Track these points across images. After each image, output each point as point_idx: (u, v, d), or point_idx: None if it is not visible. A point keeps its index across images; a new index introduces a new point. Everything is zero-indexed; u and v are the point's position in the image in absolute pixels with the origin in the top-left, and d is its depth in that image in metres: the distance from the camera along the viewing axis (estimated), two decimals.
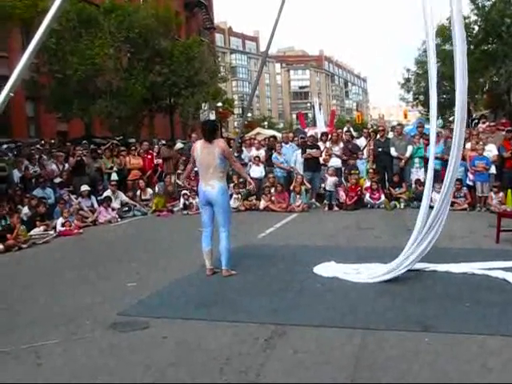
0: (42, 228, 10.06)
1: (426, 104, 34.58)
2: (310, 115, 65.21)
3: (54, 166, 12.97)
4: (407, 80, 37.93)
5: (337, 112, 60.51)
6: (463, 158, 12.09)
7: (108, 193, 12.57)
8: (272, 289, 5.64)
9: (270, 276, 6.18)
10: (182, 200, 12.91)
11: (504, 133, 12.78)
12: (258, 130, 34.90)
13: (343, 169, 13.35)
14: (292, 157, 13.69)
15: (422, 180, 11.26)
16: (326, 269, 6.27)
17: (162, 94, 23.98)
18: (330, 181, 12.68)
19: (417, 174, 12.54)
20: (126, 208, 12.71)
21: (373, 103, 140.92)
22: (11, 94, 4.58)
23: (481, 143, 12.13)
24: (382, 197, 12.43)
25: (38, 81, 20.21)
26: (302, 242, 8.51)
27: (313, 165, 13.11)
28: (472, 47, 28.39)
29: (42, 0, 15.19)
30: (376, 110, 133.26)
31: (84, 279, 6.48)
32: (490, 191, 11.35)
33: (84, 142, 16.66)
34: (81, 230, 10.56)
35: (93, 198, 12.14)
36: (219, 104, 33.71)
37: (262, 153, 13.96)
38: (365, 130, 16.51)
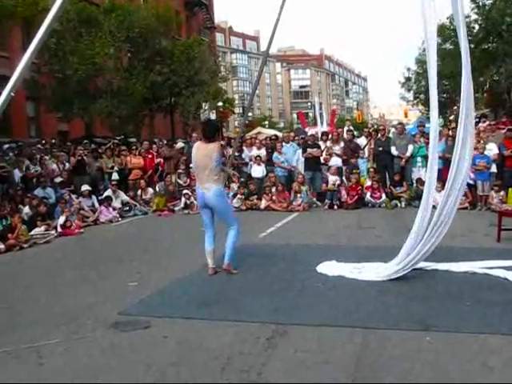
0: (42, 228, 10.06)
1: (426, 103, 34.57)
2: (310, 114, 65.28)
3: (54, 166, 12.99)
4: (408, 79, 37.94)
5: (337, 111, 60.44)
6: None
7: (109, 192, 12.57)
8: (273, 288, 5.64)
9: (271, 275, 6.18)
10: (182, 199, 12.91)
11: (504, 131, 12.79)
12: (258, 129, 34.85)
13: (344, 168, 13.34)
14: (293, 156, 13.70)
15: (424, 179, 11.24)
16: (328, 268, 6.28)
17: (163, 93, 24.02)
18: (332, 180, 12.68)
19: (419, 173, 12.50)
20: (127, 208, 12.71)
21: (373, 102, 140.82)
22: (12, 94, 4.57)
23: (481, 142, 12.13)
24: (383, 196, 12.43)
25: (39, 81, 20.23)
26: (302, 241, 8.50)
27: (313, 164, 13.12)
28: (472, 46, 28.39)
29: None
30: (377, 109, 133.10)
31: (85, 279, 6.49)
32: (490, 190, 11.34)
33: (85, 141, 16.66)
34: (82, 230, 10.56)
35: (93, 197, 12.14)
36: (220, 104, 33.71)
37: (262, 152, 13.96)
38: (365, 130, 16.51)
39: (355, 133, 16.49)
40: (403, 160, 12.74)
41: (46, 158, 13.25)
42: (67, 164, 13.30)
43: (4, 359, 3.99)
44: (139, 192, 13.45)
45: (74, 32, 20.14)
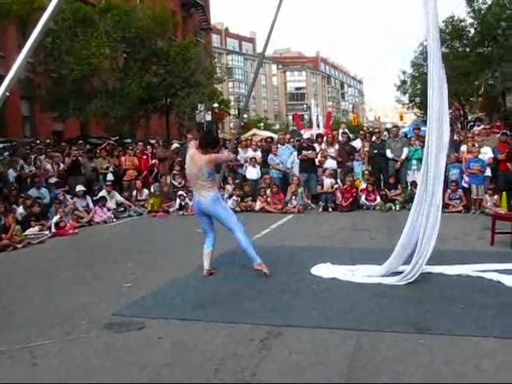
0: (37, 228, 10.03)
1: (421, 106, 34.69)
2: (306, 116, 65.35)
3: (49, 166, 12.95)
4: (403, 82, 38.01)
5: (333, 114, 60.54)
6: (459, 161, 12.22)
7: (103, 193, 12.54)
8: (268, 290, 5.64)
9: (265, 277, 6.18)
10: (177, 200, 12.91)
11: (499, 135, 12.86)
12: (253, 131, 34.84)
13: (339, 170, 13.37)
14: (288, 158, 13.71)
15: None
16: (322, 270, 6.29)
17: (158, 94, 24.00)
18: (328, 183, 12.70)
19: (413, 176, 12.52)
20: (122, 208, 12.69)
21: (369, 105, 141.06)
22: (7, 94, 4.56)
23: (476, 146, 12.19)
24: (378, 199, 12.46)
25: (34, 80, 20.17)
26: (297, 243, 8.51)
27: (308, 166, 13.15)
28: (468, 50, 28.56)
29: None
30: (372, 111, 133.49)
31: (79, 279, 6.47)
32: (484, 193, 11.40)
33: (80, 141, 16.63)
34: (76, 230, 10.53)
35: (88, 198, 12.10)
36: (215, 105, 33.71)
37: (258, 154, 13.97)
38: (361, 132, 16.56)
39: (351, 136, 16.54)
40: (398, 163, 12.79)
41: (41, 157, 13.21)
42: (62, 164, 13.27)
43: None
44: (134, 193, 13.43)
45: (70, 32, 20.11)
